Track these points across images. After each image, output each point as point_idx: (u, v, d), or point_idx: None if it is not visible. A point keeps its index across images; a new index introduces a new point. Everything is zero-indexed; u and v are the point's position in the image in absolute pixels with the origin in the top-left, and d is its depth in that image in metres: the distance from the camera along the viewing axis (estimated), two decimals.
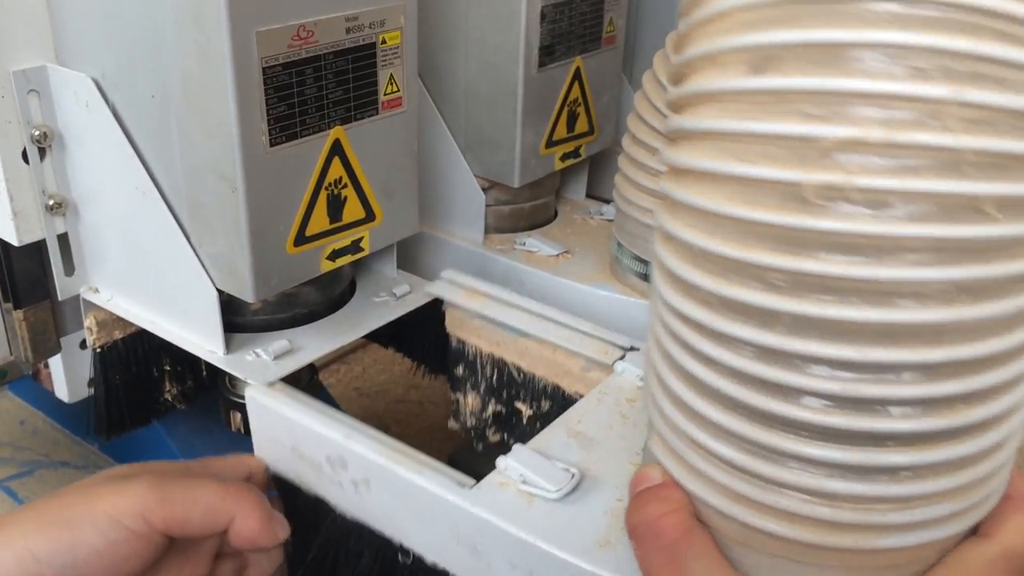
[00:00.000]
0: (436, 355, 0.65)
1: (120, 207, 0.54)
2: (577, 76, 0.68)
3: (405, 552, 0.48)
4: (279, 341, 0.55)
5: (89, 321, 0.59)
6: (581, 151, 0.71)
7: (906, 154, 0.27)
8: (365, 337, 0.60)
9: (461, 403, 0.63)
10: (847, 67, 0.27)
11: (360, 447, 0.47)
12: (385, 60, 0.52)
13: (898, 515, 0.30)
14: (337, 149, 0.52)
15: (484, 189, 0.68)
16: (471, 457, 0.64)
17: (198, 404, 0.67)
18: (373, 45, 0.52)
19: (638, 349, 0.54)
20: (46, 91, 0.54)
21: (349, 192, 0.53)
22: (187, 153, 0.49)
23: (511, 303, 0.59)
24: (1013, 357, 0.30)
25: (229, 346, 0.54)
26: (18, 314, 0.59)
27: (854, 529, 0.31)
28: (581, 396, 0.54)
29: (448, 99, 0.67)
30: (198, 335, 0.55)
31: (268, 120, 0.47)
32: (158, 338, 0.57)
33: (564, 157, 0.70)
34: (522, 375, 0.58)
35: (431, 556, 0.46)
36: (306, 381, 0.59)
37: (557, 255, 0.68)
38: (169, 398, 0.65)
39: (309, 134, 0.50)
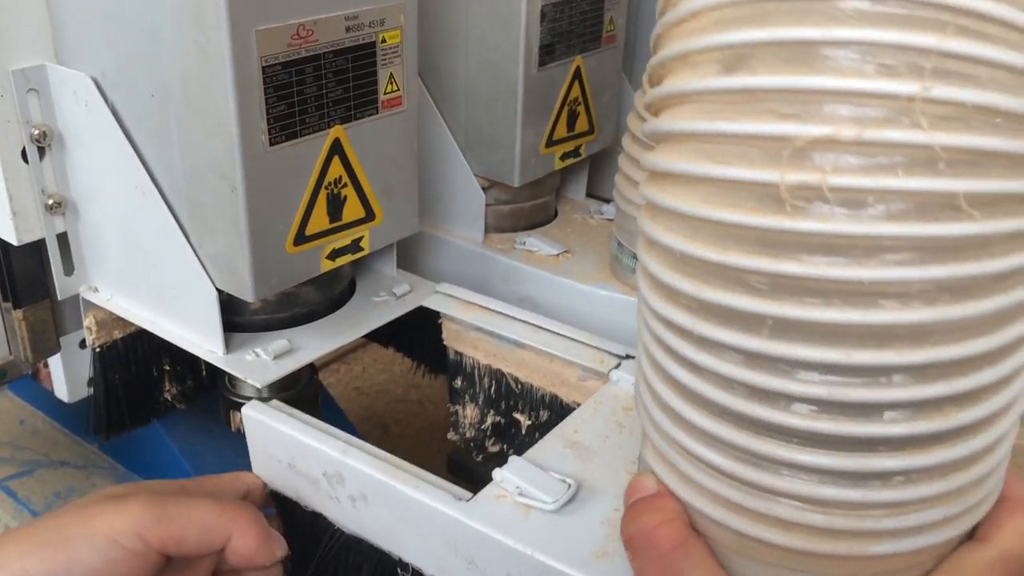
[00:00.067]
0: (436, 355, 0.64)
1: (120, 206, 0.54)
2: (577, 75, 0.68)
3: (404, 566, 0.47)
4: (279, 341, 0.55)
5: (88, 320, 0.59)
6: (581, 150, 0.71)
7: (879, 152, 0.26)
8: (365, 337, 0.60)
9: (460, 415, 0.63)
10: (817, 65, 0.27)
11: (357, 462, 0.47)
12: (385, 59, 0.52)
13: (892, 521, 0.30)
14: (337, 148, 0.52)
15: (484, 188, 0.68)
16: (471, 458, 0.64)
17: (198, 404, 0.67)
18: (373, 44, 0.51)
19: (633, 357, 0.54)
20: (45, 90, 0.54)
21: (349, 191, 0.53)
22: (187, 152, 0.49)
23: (507, 315, 0.59)
24: (1002, 356, 0.30)
25: (229, 346, 0.54)
26: (17, 313, 0.59)
27: (848, 536, 0.30)
28: (579, 405, 0.54)
29: (448, 98, 0.67)
30: (198, 335, 0.55)
31: (268, 119, 0.47)
32: (158, 338, 0.57)
33: (564, 156, 0.70)
34: (520, 386, 0.58)
35: (429, 569, 0.46)
36: (306, 381, 0.59)
37: (557, 255, 0.68)
38: (169, 398, 0.65)
39: (309, 133, 0.50)
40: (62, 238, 0.58)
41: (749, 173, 0.28)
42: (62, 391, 0.65)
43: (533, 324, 0.58)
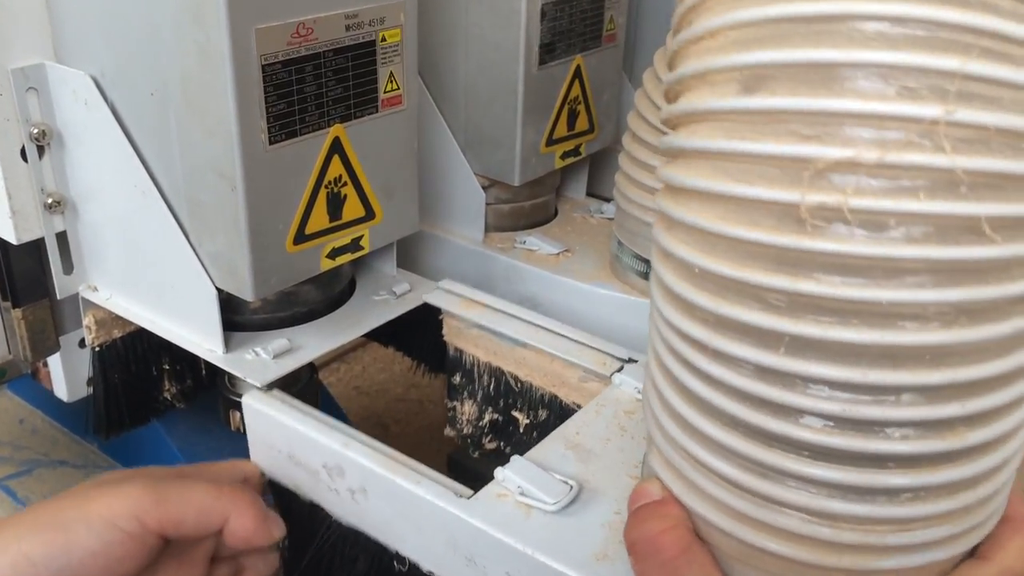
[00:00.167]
0: (436, 354, 0.64)
1: (119, 206, 0.54)
2: (577, 74, 0.68)
3: (400, 559, 0.47)
4: (279, 340, 0.55)
5: (88, 320, 0.59)
6: (581, 149, 0.71)
7: (900, 175, 0.26)
8: (365, 336, 0.59)
9: (458, 411, 0.63)
10: (838, 87, 0.27)
11: (358, 456, 0.47)
12: (385, 58, 0.52)
13: (898, 537, 0.30)
14: (337, 147, 0.52)
15: (484, 187, 0.68)
16: (472, 458, 0.64)
17: (197, 403, 0.67)
18: (373, 43, 0.51)
19: (636, 361, 0.54)
20: (45, 89, 0.54)
21: (349, 190, 0.53)
22: (186, 151, 0.49)
23: (509, 313, 0.59)
24: (1014, 379, 0.30)
25: (228, 345, 0.54)
26: (17, 313, 0.59)
27: (853, 550, 0.30)
28: (578, 406, 0.54)
29: (448, 97, 0.67)
30: (197, 334, 0.54)
31: (267, 118, 0.47)
32: (157, 337, 0.57)
33: (564, 155, 0.70)
34: (519, 384, 0.58)
35: (427, 564, 0.46)
36: (305, 380, 0.59)
37: (557, 254, 0.68)
38: (168, 397, 0.65)
39: (309, 132, 0.50)
40: (61, 237, 0.58)
41: (769, 193, 0.28)
42: (61, 390, 0.65)
43: (535, 324, 0.58)
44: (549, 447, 0.47)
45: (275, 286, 0.51)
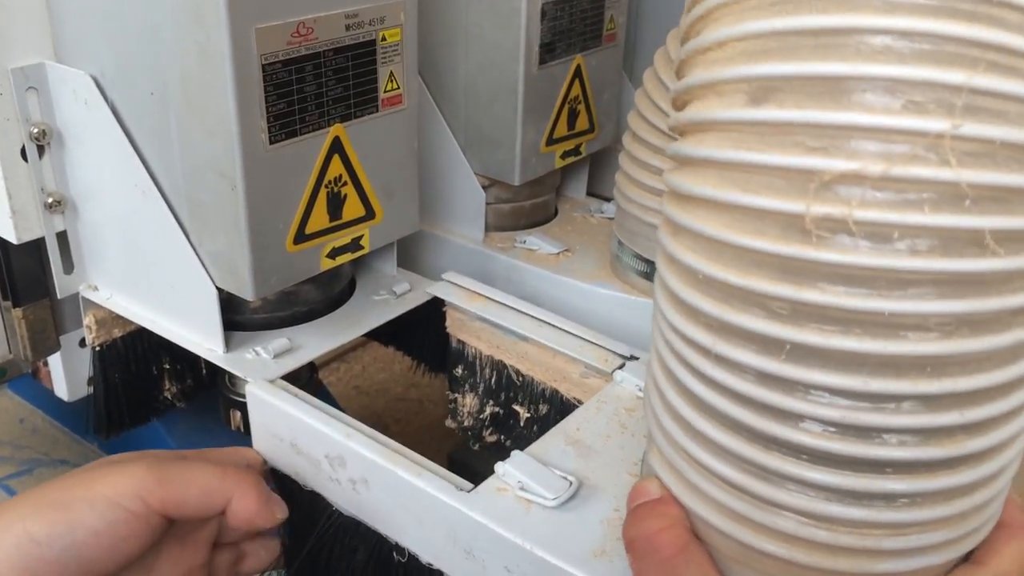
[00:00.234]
0: (436, 354, 0.64)
1: (119, 205, 0.54)
2: (578, 73, 0.68)
3: (400, 550, 0.48)
4: (279, 339, 0.55)
5: (88, 319, 0.59)
6: (582, 149, 0.71)
7: (906, 187, 0.27)
8: (365, 335, 0.59)
9: (459, 403, 0.63)
10: (845, 100, 0.27)
11: (360, 447, 0.47)
12: (385, 57, 0.52)
13: (894, 541, 0.30)
14: (337, 147, 0.52)
15: (484, 187, 0.68)
16: (471, 456, 0.64)
17: (197, 403, 0.67)
18: (373, 42, 0.51)
19: (638, 358, 0.54)
20: (45, 88, 0.54)
21: (349, 190, 0.53)
22: (186, 151, 0.49)
23: (512, 307, 0.59)
24: (1013, 389, 0.30)
25: (229, 344, 0.54)
26: (17, 312, 0.59)
27: (850, 553, 0.31)
28: (579, 401, 0.54)
29: (448, 97, 0.67)
30: (198, 333, 0.55)
31: (268, 118, 0.47)
32: (157, 336, 0.57)
33: (564, 155, 0.70)
34: (521, 378, 0.58)
35: (426, 556, 0.46)
36: (306, 379, 0.59)
37: (557, 253, 0.68)
38: (168, 396, 0.65)
39: (309, 132, 0.50)
40: (61, 237, 0.58)
41: (775, 203, 0.28)
42: (62, 390, 0.65)
43: (538, 318, 0.58)
44: (549, 442, 0.47)
45: (275, 286, 0.51)
